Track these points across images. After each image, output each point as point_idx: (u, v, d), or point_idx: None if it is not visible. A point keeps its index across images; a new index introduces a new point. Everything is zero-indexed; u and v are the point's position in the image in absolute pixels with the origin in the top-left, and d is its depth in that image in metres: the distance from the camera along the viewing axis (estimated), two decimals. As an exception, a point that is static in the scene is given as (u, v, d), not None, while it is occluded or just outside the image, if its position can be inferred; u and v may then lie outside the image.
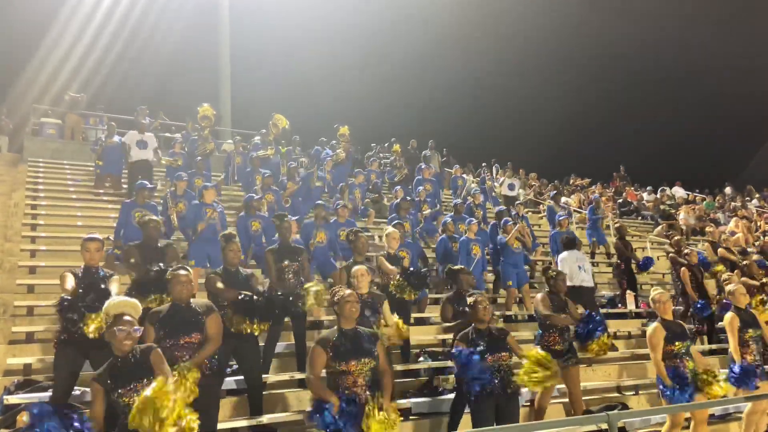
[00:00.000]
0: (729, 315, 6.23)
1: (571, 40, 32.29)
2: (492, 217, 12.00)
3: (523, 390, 5.32)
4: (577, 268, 8.97)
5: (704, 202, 20.43)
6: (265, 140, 13.90)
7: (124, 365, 3.80)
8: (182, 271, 4.66)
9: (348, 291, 4.63)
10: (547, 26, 32.92)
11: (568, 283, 8.42)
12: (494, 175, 19.15)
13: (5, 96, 20.12)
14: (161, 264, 5.75)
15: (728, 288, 6.59)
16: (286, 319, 6.34)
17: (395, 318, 5.85)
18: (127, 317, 3.87)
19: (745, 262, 10.13)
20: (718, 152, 31.85)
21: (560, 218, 11.05)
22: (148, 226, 6.37)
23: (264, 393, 5.95)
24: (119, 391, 3.72)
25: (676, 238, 11.02)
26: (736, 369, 5.84)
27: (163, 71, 26.35)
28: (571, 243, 9.45)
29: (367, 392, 4.32)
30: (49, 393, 5.21)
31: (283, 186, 11.79)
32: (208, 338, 4.54)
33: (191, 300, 4.67)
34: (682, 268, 9.76)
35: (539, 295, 6.49)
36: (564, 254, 9.21)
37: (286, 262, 6.38)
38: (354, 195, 12.33)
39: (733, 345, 6.06)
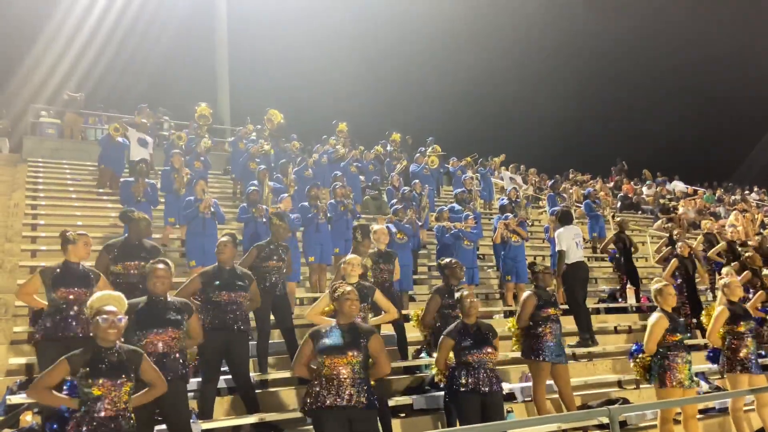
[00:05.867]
0: (720, 308, 6.27)
1: (571, 37, 32.27)
2: (495, 212, 11.95)
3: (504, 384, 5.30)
4: (574, 245, 8.44)
5: (704, 196, 20.45)
6: (261, 135, 13.73)
7: (107, 358, 3.71)
8: (160, 265, 4.60)
9: (348, 288, 4.57)
10: (547, 23, 32.91)
11: (567, 262, 8.34)
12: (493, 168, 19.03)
13: (2, 95, 20.10)
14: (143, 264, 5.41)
15: (722, 281, 6.60)
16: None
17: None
18: (109, 307, 3.78)
19: (747, 254, 10.10)
20: (716, 147, 31.89)
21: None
22: (138, 224, 6.00)
23: (265, 391, 5.95)
24: (89, 380, 3.61)
25: (676, 231, 11.03)
26: (711, 350, 6.58)
27: (161, 69, 26.32)
28: (568, 217, 8.85)
29: (351, 387, 4.23)
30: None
31: (278, 181, 11.70)
32: (191, 337, 4.71)
33: (168, 296, 4.63)
34: (674, 259, 9.79)
35: (525, 295, 6.31)
36: (561, 230, 8.54)
37: (272, 262, 6.34)
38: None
39: (711, 331, 6.25)
